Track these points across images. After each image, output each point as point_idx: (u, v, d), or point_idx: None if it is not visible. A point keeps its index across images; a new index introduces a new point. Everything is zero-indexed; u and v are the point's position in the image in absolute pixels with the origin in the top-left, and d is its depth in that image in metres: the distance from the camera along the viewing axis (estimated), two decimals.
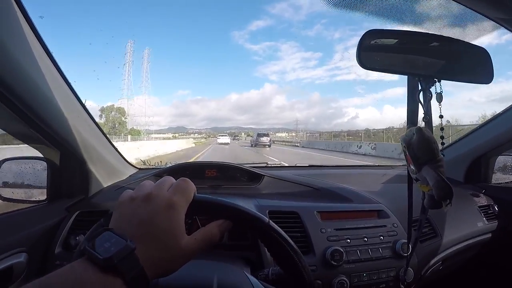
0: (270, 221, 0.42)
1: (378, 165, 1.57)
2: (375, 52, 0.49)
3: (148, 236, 0.30)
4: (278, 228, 0.42)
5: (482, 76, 0.57)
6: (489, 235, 1.03)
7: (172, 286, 0.46)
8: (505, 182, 1.23)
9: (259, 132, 22.84)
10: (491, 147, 1.12)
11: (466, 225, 0.98)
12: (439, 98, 0.56)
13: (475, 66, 0.56)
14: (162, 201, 0.33)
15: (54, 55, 0.61)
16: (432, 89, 0.56)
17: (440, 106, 0.56)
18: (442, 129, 0.57)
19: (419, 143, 0.49)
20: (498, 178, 1.22)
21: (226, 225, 0.37)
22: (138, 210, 0.32)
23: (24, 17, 0.54)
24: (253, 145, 19.76)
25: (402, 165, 1.40)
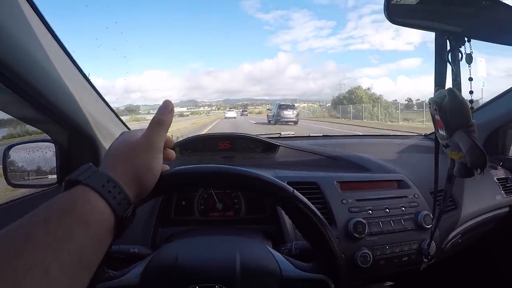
0: (295, 190, 0.40)
1: (392, 135, 1.53)
2: (404, 5, 0.45)
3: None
4: (304, 198, 0.40)
5: None
6: (507, 209, 1.00)
7: (193, 263, 0.44)
8: None
9: (281, 103, 16.42)
10: (510, 119, 1.08)
11: (485, 197, 0.95)
12: (469, 59, 0.52)
13: (509, 27, 0.52)
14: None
15: (50, 23, 0.57)
16: (462, 50, 0.53)
17: (470, 68, 0.52)
18: (471, 92, 0.54)
19: (452, 105, 0.46)
20: None
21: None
22: None
23: None
24: (274, 122, 14.28)
25: (418, 135, 1.36)
